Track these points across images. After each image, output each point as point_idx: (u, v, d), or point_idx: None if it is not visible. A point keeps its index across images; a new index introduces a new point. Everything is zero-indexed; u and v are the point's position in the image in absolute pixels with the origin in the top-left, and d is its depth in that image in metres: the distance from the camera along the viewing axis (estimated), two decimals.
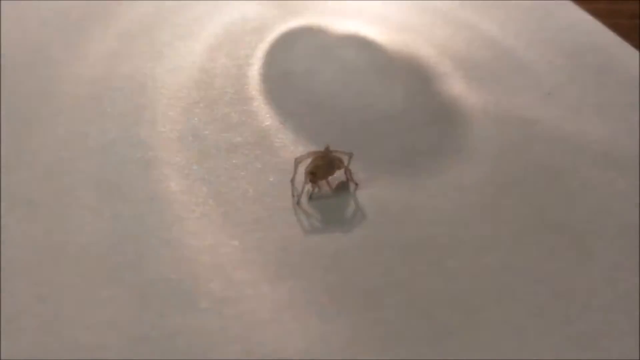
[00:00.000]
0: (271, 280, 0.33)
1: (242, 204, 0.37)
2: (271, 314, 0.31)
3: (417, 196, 0.38)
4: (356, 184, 0.39)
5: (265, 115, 0.44)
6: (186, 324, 0.31)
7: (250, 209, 0.37)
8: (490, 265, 0.34)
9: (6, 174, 0.38)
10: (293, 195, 0.37)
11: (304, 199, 0.37)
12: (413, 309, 0.32)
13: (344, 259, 0.34)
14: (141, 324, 0.31)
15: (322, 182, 0.38)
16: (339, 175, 0.38)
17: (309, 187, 0.37)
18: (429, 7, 0.57)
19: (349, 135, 0.42)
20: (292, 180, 0.38)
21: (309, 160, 0.38)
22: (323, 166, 0.37)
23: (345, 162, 0.38)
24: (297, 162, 0.38)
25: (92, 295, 0.32)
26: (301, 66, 0.50)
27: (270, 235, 0.35)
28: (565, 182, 0.39)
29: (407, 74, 0.49)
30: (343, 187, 0.39)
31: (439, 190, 0.38)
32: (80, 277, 0.33)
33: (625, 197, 0.38)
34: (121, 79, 0.47)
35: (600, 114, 0.45)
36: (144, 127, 0.43)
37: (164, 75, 0.48)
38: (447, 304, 0.32)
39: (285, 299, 0.32)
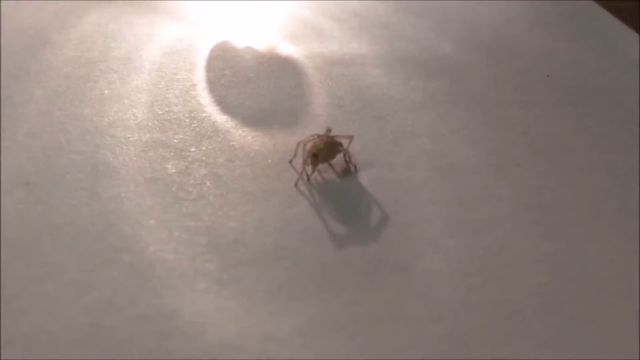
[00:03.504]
0: (268, 260, 0.33)
1: (239, 186, 0.37)
2: (268, 294, 0.31)
3: (415, 177, 0.38)
4: (355, 166, 0.38)
5: (263, 97, 0.44)
6: (183, 305, 0.31)
7: (248, 190, 0.37)
8: (489, 245, 0.34)
9: (3, 157, 0.38)
10: (303, 176, 0.37)
11: (302, 181, 0.37)
12: (411, 289, 0.32)
13: (342, 239, 0.34)
14: (139, 305, 0.31)
15: (322, 165, 0.38)
16: (338, 158, 0.38)
17: (308, 168, 0.37)
18: None
19: (346, 117, 0.42)
20: (291, 162, 0.38)
21: (310, 143, 0.37)
22: (325, 149, 0.37)
23: (345, 145, 0.38)
24: (300, 144, 0.38)
25: (90, 276, 0.32)
26: (302, 48, 0.49)
27: (267, 217, 0.35)
28: (565, 163, 0.39)
29: (404, 57, 0.49)
30: (342, 170, 0.38)
31: (436, 172, 0.38)
32: (78, 258, 0.33)
33: (625, 179, 0.38)
34: (118, 61, 0.47)
35: (599, 97, 0.45)
36: (141, 109, 0.43)
37: (161, 57, 0.48)
38: (445, 284, 0.32)
39: (282, 280, 0.32)
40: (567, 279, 0.32)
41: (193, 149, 0.39)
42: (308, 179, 0.37)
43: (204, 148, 0.40)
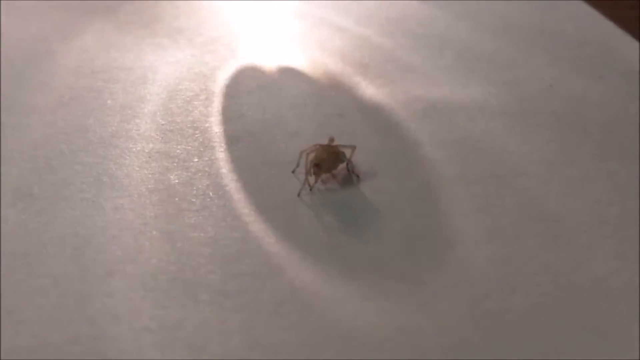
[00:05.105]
0: (272, 271, 0.33)
1: (242, 196, 0.37)
2: (272, 305, 0.31)
3: (418, 188, 0.38)
4: (358, 176, 0.38)
5: (265, 106, 0.44)
6: (187, 316, 0.31)
7: (251, 200, 0.37)
8: (492, 255, 0.34)
9: (6, 167, 0.38)
10: (305, 186, 0.37)
11: (305, 191, 0.37)
12: (414, 300, 0.32)
13: (344, 249, 0.34)
14: (142, 316, 0.31)
15: (325, 175, 0.38)
16: (341, 168, 0.38)
17: (311, 179, 0.37)
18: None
19: (348, 127, 0.42)
20: (294, 172, 0.38)
21: (312, 153, 0.37)
22: (327, 159, 0.37)
23: (348, 155, 0.38)
24: (302, 153, 0.38)
25: (92, 287, 0.32)
26: (303, 56, 0.50)
27: (270, 227, 0.35)
28: (566, 172, 0.39)
29: (406, 67, 0.49)
30: (345, 180, 0.38)
31: (439, 182, 0.38)
32: (81, 269, 0.33)
33: (626, 188, 0.38)
34: (121, 72, 0.47)
35: (600, 105, 0.45)
36: (144, 119, 0.43)
37: (164, 67, 0.48)
38: (448, 294, 0.32)
39: (286, 291, 0.32)
40: (570, 288, 0.32)
41: (196, 160, 0.39)
42: (311, 189, 0.37)
43: (206, 158, 0.40)
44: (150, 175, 0.38)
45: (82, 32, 0.52)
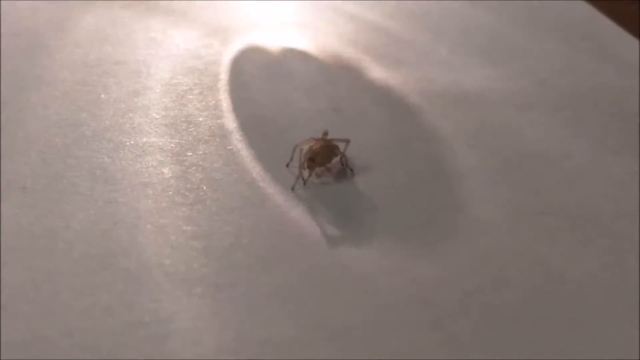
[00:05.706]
0: (265, 265, 0.33)
1: (236, 190, 0.37)
2: (265, 298, 0.31)
3: (412, 182, 0.38)
4: (352, 170, 0.38)
5: (259, 100, 0.44)
6: (180, 309, 0.31)
7: (245, 194, 0.37)
8: (486, 249, 0.34)
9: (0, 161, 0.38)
10: (299, 180, 0.37)
11: (299, 185, 0.37)
12: (409, 293, 0.31)
13: (338, 243, 0.34)
14: (135, 309, 0.30)
15: (320, 169, 0.38)
16: (335, 161, 0.38)
17: (305, 172, 0.37)
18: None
19: (343, 122, 0.42)
20: (288, 166, 0.38)
21: (307, 147, 0.37)
22: (321, 153, 0.37)
23: (342, 149, 0.38)
24: (297, 147, 0.37)
25: (86, 280, 0.32)
26: (297, 50, 0.49)
27: (264, 221, 0.35)
28: (561, 167, 0.39)
29: (401, 60, 0.49)
30: (339, 174, 0.38)
31: (434, 176, 0.38)
32: (75, 263, 0.33)
33: (622, 182, 0.38)
34: (114, 66, 0.47)
35: (596, 100, 0.45)
36: (138, 113, 0.43)
37: (157, 62, 0.48)
38: (442, 288, 0.32)
39: (279, 284, 0.32)
40: (565, 283, 0.32)
41: (189, 154, 0.39)
42: (304, 183, 0.37)
43: (200, 152, 0.39)
44: (143, 169, 0.38)
45: (76, 26, 0.51)
